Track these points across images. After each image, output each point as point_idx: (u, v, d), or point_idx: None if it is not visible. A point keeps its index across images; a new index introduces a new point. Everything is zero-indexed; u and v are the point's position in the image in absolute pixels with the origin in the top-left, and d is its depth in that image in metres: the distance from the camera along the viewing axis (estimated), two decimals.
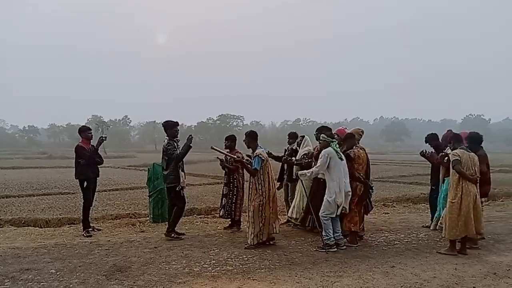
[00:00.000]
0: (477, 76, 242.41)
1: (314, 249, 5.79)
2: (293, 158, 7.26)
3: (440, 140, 7.37)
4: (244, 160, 6.35)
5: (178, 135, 6.63)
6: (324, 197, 5.81)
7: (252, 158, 6.05)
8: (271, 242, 6.04)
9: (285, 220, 7.59)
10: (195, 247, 5.93)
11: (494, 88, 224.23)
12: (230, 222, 7.26)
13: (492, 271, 4.83)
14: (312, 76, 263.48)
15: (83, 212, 6.94)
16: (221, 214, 7.20)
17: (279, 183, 7.74)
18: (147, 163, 19.50)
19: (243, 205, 7.10)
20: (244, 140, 6.26)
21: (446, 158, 6.37)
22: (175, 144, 6.49)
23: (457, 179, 5.62)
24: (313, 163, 6.53)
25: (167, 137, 6.54)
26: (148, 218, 8.09)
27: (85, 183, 6.85)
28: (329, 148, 5.81)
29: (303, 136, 7.46)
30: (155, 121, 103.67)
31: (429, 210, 7.78)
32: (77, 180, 6.96)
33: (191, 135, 6.68)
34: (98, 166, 7.17)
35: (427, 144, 7.55)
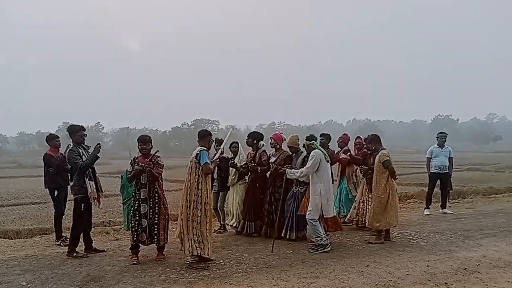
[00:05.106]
0: (446, 77, 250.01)
1: (307, 250, 5.86)
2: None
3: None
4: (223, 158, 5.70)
5: (85, 140, 6.03)
6: (311, 201, 5.92)
7: (199, 155, 5.23)
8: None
9: (217, 227, 7.45)
10: (171, 254, 5.86)
11: (462, 89, 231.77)
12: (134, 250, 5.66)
13: (462, 267, 4.98)
14: (285, 80, 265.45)
15: (55, 221, 6.78)
16: (142, 239, 5.53)
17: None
18: (121, 170, 19.16)
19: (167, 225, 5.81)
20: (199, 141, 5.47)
21: (349, 154, 7.51)
22: (80, 151, 5.90)
23: (386, 176, 6.23)
24: (272, 166, 6.68)
25: (72, 144, 5.96)
26: (122, 226, 7.95)
27: (56, 192, 6.70)
28: (318, 150, 5.97)
29: (237, 143, 7.32)
30: (128, 127, 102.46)
31: None
32: (47, 189, 6.80)
33: (99, 144, 6.01)
34: (68, 174, 7.02)
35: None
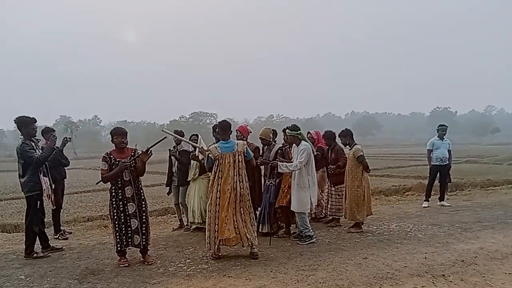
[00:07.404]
0: (444, 70, 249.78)
1: (296, 243, 5.90)
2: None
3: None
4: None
5: (37, 134, 5.65)
6: (298, 194, 5.85)
7: (247, 149, 5.38)
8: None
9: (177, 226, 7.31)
10: (169, 247, 5.88)
11: (460, 82, 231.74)
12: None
13: (460, 259, 4.99)
14: (284, 73, 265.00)
15: (53, 215, 6.79)
16: (136, 242, 5.05)
17: (168, 187, 7.41)
18: None
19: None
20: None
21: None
22: (33, 144, 5.43)
23: (361, 170, 6.49)
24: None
25: (22, 137, 5.42)
26: None
27: (53, 186, 6.68)
28: (306, 142, 5.91)
29: (197, 135, 6.90)
30: (126, 120, 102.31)
31: None
32: None
33: (53, 134, 5.72)
34: (65, 167, 7.01)
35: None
